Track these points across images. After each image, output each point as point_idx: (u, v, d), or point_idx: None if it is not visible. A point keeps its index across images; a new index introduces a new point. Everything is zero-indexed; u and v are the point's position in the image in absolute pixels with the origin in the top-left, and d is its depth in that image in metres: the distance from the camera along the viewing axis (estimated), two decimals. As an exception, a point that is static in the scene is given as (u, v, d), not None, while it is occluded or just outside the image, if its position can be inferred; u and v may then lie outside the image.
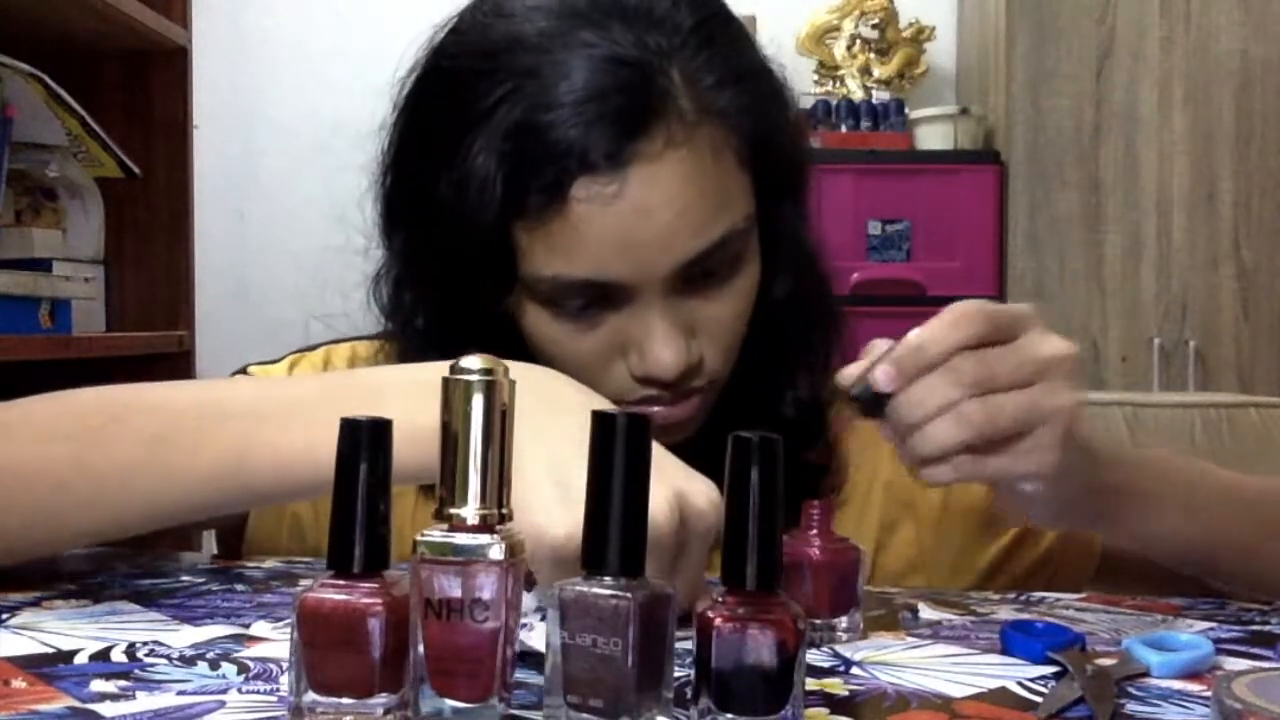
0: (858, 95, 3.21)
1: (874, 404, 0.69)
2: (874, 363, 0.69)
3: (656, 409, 0.84)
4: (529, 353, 0.86)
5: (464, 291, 0.85)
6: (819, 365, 0.92)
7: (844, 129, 3.12)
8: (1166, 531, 0.81)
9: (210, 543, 1.03)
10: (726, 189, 0.83)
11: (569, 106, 0.79)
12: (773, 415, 0.90)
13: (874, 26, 3.27)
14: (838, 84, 3.26)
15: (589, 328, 0.83)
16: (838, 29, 3.29)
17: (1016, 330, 0.71)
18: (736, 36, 0.88)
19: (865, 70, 3.26)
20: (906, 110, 3.14)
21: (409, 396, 0.64)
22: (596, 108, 0.79)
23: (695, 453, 0.70)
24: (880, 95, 3.20)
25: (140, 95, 2.11)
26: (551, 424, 0.67)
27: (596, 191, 0.79)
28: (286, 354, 1.02)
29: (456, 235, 0.83)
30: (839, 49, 3.28)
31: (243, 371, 0.99)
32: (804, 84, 3.25)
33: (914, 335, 0.69)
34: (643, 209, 0.79)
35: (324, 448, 0.61)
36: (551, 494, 0.64)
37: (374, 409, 0.54)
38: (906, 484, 0.96)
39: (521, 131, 0.80)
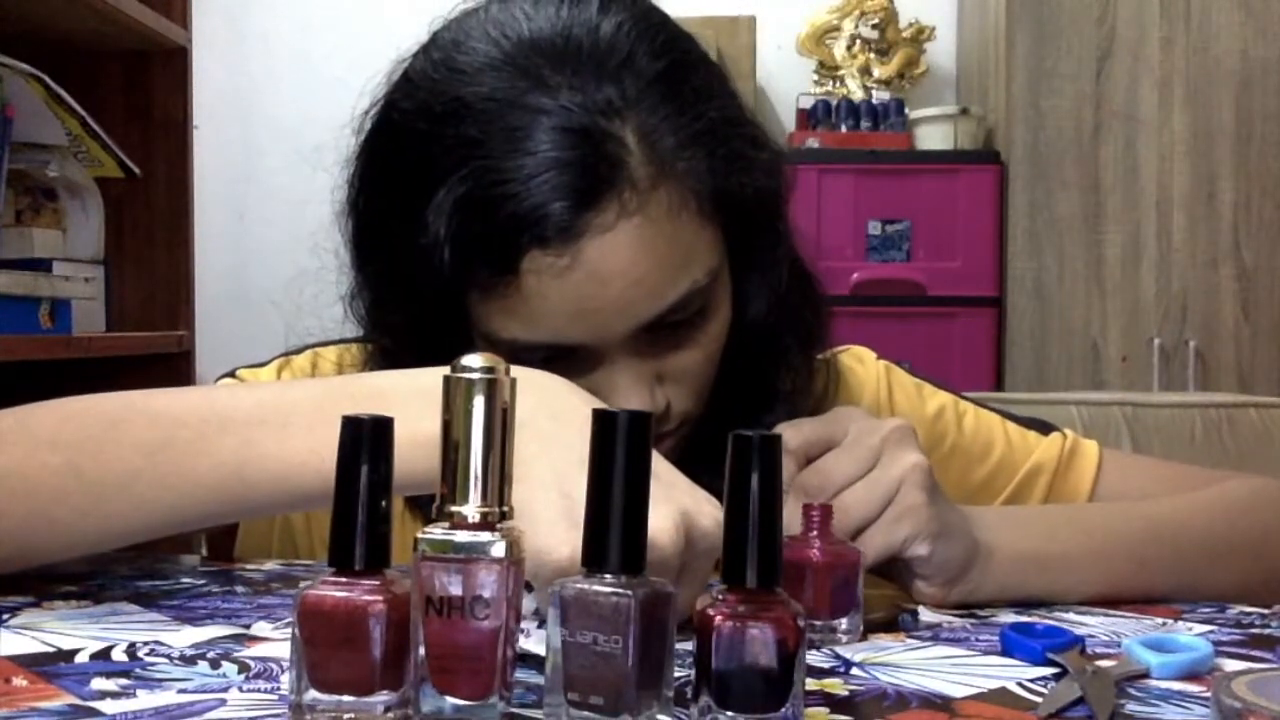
0: (858, 95, 3.21)
1: None
2: None
3: None
4: None
5: (428, 337, 0.84)
6: (800, 389, 0.92)
7: (844, 129, 3.12)
8: (1080, 586, 0.81)
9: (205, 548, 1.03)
10: (687, 248, 0.81)
11: (518, 181, 0.77)
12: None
13: (874, 26, 3.27)
14: (838, 84, 3.26)
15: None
16: (838, 29, 3.30)
17: (835, 435, 0.77)
18: (703, 83, 0.85)
19: (865, 70, 3.26)
20: (906, 110, 3.14)
21: (411, 403, 0.64)
22: (546, 181, 0.77)
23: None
24: (880, 95, 3.20)
25: (140, 95, 2.11)
26: (557, 437, 0.67)
27: (549, 264, 0.78)
28: (274, 356, 1.01)
29: (413, 297, 0.83)
30: (839, 49, 3.29)
31: (230, 375, 0.98)
32: (804, 84, 3.26)
33: None
34: (597, 279, 0.79)
35: (325, 456, 0.61)
36: (556, 512, 0.63)
37: None
38: None
39: (471, 204, 0.79)
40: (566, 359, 0.82)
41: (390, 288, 0.87)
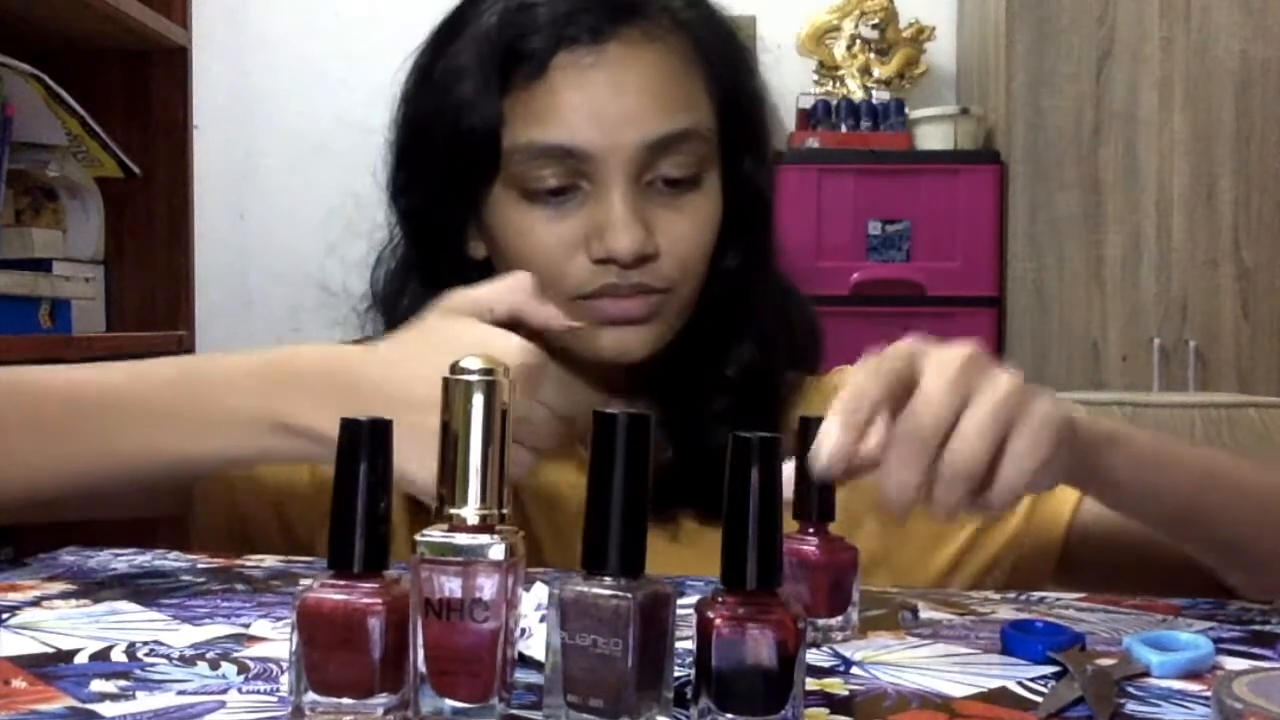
0: (858, 95, 3.21)
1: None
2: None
3: (611, 305, 0.89)
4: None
5: (453, 188, 0.91)
6: (766, 338, 0.96)
7: (844, 129, 3.12)
8: (1157, 483, 0.79)
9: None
10: (694, 96, 0.91)
11: None
12: (716, 376, 0.94)
13: (874, 26, 3.27)
14: (838, 84, 3.25)
15: (558, 218, 0.89)
16: (838, 29, 3.29)
17: (909, 372, 0.68)
18: (740, 46, 0.97)
19: (865, 70, 3.25)
20: (906, 110, 3.14)
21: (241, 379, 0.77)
22: None
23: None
24: (880, 95, 3.20)
25: (140, 95, 2.11)
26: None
27: (575, 61, 0.88)
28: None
29: (448, 122, 0.90)
30: (839, 49, 3.28)
31: None
32: (804, 84, 3.26)
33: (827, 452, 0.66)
34: (616, 85, 0.88)
35: (220, 439, 0.77)
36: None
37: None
38: (870, 480, 0.95)
39: (511, 11, 0.89)
40: (574, 179, 0.88)
41: (425, 127, 0.92)
